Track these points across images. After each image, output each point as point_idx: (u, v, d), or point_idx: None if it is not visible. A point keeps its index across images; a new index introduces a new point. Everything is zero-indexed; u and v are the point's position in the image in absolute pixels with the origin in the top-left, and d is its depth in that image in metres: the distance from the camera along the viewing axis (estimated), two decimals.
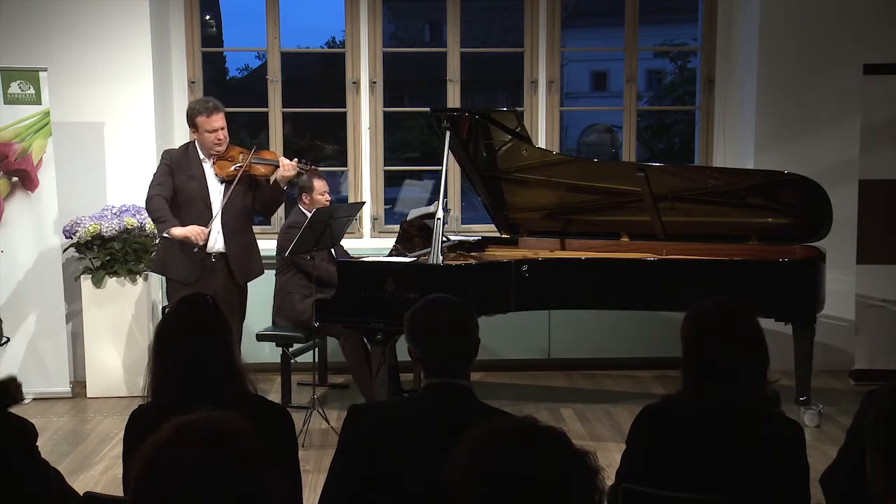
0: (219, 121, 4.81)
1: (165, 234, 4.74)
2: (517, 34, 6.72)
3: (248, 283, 5.05)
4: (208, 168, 4.86)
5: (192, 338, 2.34)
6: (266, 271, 5.21)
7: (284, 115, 6.52)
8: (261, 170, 4.88)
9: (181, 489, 1.35)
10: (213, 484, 1.36)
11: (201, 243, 4.71)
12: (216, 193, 4.85)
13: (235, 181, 4.79)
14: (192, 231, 4.68)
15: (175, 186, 4.81)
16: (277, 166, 4.84)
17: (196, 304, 2.45)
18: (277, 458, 1.98)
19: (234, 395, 2.32)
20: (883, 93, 5.62)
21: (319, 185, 5.37)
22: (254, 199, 4.96)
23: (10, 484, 2.02)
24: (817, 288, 4.89)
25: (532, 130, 6.31)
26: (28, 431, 2.19)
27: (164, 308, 5.74)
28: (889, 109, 5.63)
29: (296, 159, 4.90)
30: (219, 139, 4.81)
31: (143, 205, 5.60)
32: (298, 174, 5.04)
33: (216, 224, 4.82)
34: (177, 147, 5.33)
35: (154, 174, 4.90)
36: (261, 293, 5.35)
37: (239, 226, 4.91)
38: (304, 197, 5.38)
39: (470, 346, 2.30)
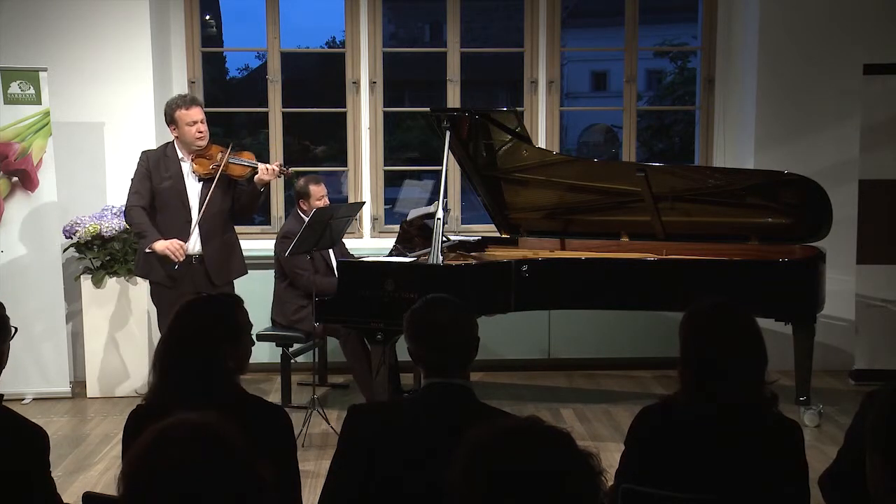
0: (198, 113, 4.78)
1: (147, 250, 4.73)
2: (517, 34, 6.72)
3: (246, 283, 5.01)
4: (186, 168, 4.81)
5: (192, 338, 2.35)
6: (262, 272, 5.17)
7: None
8: (237, 170, 4.82)
9: (168, 491, 1.37)
10: (196, 485, 1.37)
11: (181, 259, 4.68)
12: (194, 194, 4.81)
13: (215, 180, 4.76)
14: (171, 247, 4.66)
15: (153, 189, 4.78)
16: (255, 169, 4.79)
17: (198, 305, 2.46)
18: (275, 459, 1.98)
19: (234, 395, 2.33)
20: (883, 93, 5.62)
21: (317, 190, 5.31)
22: (233, 200, 4.92)
23: (16, 494, 2.02)
24: (817, 288, 4.89)
25: (532, 130, 6.31)
26: (41, 440, 2.19)
27: None
28: (889, 109, 5.63)
29: (277, 163, 4.86)
30: (200, 131, 4.76)
31: None
32: (278, 177, 4.98)
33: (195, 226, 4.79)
34: (156, 147, 5.26)
35: (132, 179, 4.85)
36: (262, 292, 5.35)
37: (217, 227, 4.86)
38: (301, 203, 5.34)
39: (470, 345, 2.30)
